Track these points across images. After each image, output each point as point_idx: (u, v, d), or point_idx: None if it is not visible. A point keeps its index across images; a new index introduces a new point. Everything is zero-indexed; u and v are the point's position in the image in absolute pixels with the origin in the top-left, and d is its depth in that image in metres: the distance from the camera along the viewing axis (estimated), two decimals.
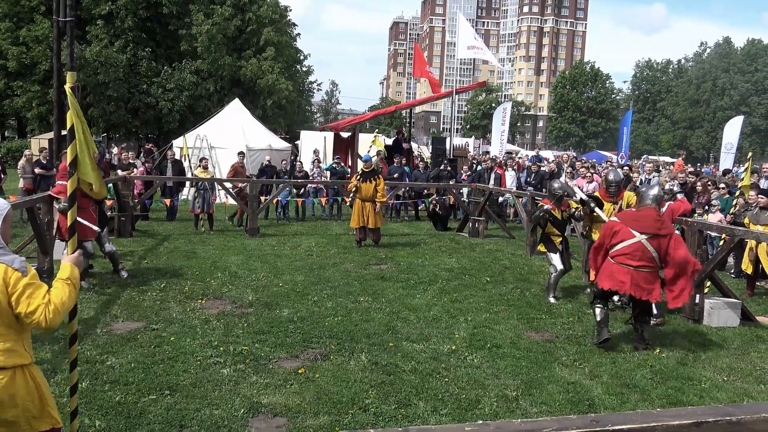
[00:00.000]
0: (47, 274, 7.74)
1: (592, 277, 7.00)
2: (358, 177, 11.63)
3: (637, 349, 6.26)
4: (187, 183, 15.49)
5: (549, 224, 8.38)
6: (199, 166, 14.50)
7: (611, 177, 8.53)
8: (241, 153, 15.58)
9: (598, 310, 6.37)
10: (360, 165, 12.62)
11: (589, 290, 6.83)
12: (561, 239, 8.41)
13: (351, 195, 11.72)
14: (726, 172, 16.98)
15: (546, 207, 8.34)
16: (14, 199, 10.85)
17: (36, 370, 2.98)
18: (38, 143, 24.95)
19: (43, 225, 7.94)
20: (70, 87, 3.20)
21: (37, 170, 13.62)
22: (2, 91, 32.46)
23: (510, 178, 16.32)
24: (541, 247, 8.53)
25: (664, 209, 7.16)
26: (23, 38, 31.47)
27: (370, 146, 13.30)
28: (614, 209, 8.34)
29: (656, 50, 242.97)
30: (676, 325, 7.35)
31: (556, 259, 8.29)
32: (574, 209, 8.50)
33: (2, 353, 2.78)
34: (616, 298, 7.36)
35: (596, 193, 9.00)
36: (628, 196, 8.42)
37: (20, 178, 14.08)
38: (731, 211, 10.29)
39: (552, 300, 8.10)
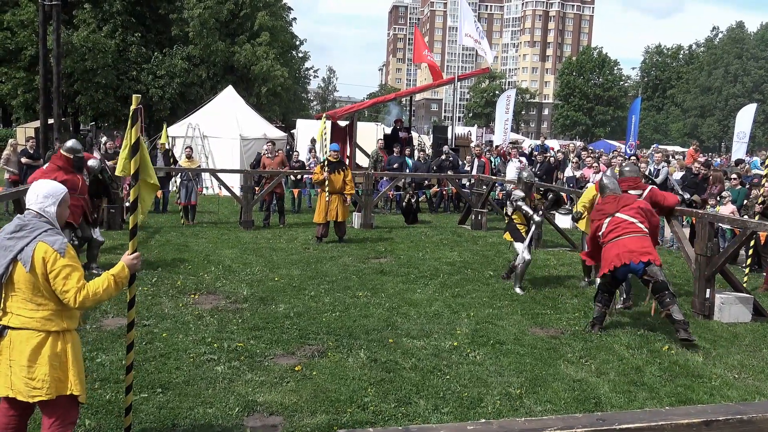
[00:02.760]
0: None
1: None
2: (325, 168, 10.88)
3: (678, 332, 6.12)
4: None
5: (515, 211, 8.41)
6: (183, 155, 14.07)
7: (605, 182, 8.51)
8: (269, 142, 14.49)
9: (596, 308, 6.67)
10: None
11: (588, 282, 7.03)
12: (526, 228, 8.43)
13: (323, 188, 10.81)
14: (738, 162, 16.72)
15: (520, 194, 8.34)
16: (0, 191, 10.61)
17: (71, 336, 3.32)
18: (24, 132, 24.55)
19: None
20: (134, 109, 3.58)
21: (23, 159, 13.33)
22: None
23: (513, 169, 16.24)
24: (507, 236, 8.52)
25: (645, 192, 7.52)
26: (8, 23, 30.91)
27: (324, 135, 12.41)
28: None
29: (668, 35, 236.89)
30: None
31: (522, 248, 8.24)
32: (536, 201, 8.67)
33: (39, 320, 3.19)
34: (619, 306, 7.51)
35: (593, 186, 8.98)
36: None
37: (4, 170, 13.68)
38: (744, 203, 10.07)
39: (518, 290, 8.09)
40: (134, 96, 3.61)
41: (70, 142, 7.87)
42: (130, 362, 3.79)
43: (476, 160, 16.25)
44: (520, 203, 8.30)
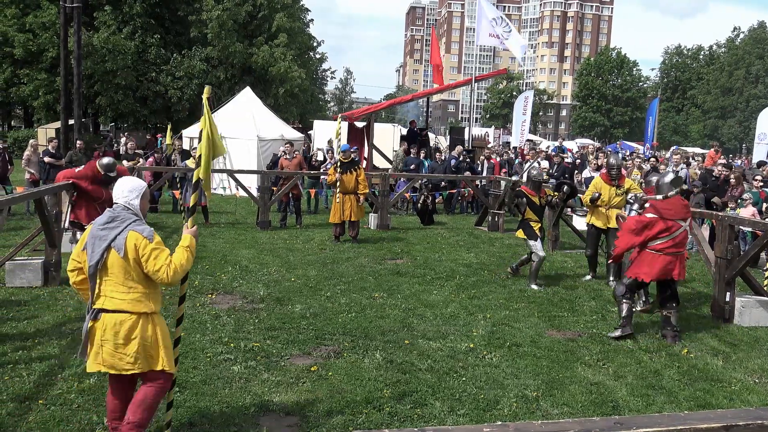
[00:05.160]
0: (54, 268, 7.61)
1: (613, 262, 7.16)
2: (337, 168, 10.90)
3: (666, 337, 6.31)
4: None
5: (528, 209, 8.48)
6: (191, 156, 14.03)
7: (612, 160, 8.85)
8: (288, 143, 14.38)
9: (626, 306, 6.38)
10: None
11: (616, 285, 6.79)
12: (539, 225, 8.54)
13: (336, 188, 10.84)
14: (760, 164, 16.48)
15: (518, 189, 8.55)
16: (20, 190, 10.78)
17: (158, 318, 3.74)
18: (45, 133, 24.95)
19: (51, 217, 7.80)
20: (207, 98, 3.93)
21: (47, 159, 13.48)
22: (8, 80, 32.36)
23: None
24: (520, 233, 8.64)
25: None
26: (30, 25, 31.29)
27: (338, 135, 12.40)
28: (615, 192, 8.52)
29: (688, 36, 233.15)
30: (705, 324, 7.16)
31: (537, 246, 8.40)
32: (549, 196, 8.76)
33: (130, 302, 3.60)
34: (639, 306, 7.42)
35: (598, 176, 9.04)
36: (629, 183, 8.67)
37: (25, 170, 13.83)
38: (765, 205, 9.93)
39: (534, 287, 8.20)
40: (207, 87, 4.00)
41: (106, 160, 8.55)
42: (177, 356, 3.98)
43: (486, 162, 16.24)
44: (512, 194, 8.57)
